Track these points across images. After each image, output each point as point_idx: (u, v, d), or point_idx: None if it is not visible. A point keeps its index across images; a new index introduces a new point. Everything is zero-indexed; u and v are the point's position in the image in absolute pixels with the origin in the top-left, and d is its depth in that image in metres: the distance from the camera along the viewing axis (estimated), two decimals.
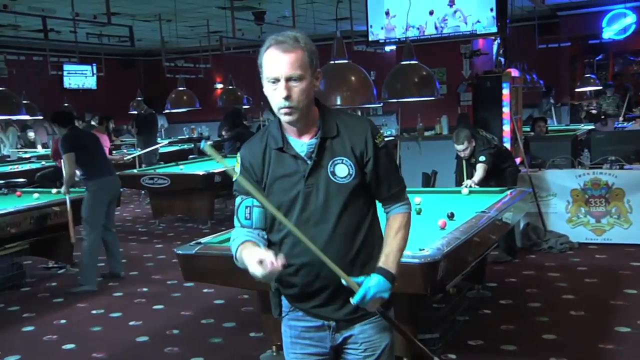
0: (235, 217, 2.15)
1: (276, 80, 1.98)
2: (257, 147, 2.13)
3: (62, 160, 6.06)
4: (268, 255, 1.89)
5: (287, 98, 1.98)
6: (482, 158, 5.89)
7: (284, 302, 2.22)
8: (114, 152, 10.68)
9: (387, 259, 2.10)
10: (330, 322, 2.14)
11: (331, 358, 2.20)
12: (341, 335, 2.15)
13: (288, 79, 1.98)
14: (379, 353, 2.16)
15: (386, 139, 2.25)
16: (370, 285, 2.02)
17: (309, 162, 2.06)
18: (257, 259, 1.90)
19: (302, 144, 2.08)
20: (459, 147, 5.99)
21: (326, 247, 2.03)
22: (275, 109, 2.04)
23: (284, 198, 2.08)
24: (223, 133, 11.43)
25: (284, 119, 2.05)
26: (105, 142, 8.57)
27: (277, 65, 1.97)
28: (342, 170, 2.06)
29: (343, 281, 2.01)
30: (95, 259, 6.02)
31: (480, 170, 5.86)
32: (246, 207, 2.12)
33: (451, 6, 7.25)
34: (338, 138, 2.08)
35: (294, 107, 2.00)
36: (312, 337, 2.17)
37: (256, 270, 1.90)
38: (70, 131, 6.02)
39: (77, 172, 6.16)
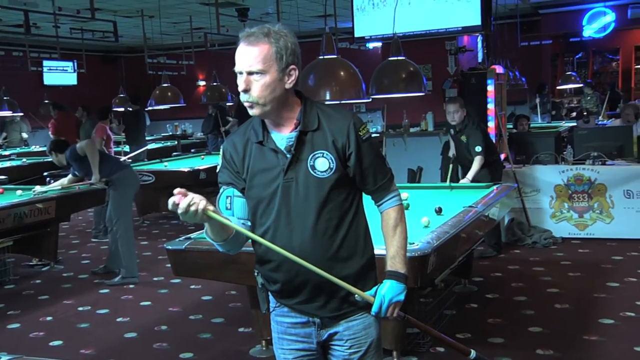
0: (216, 207, 2.12)
1: (240, 73, 2.00)
2: (239, 140, 2.13)
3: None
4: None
5: (246, 92, 1.99)
6: (478, 149, 5.87)
7: (272, 297, 2.22)
8: None
9: (393, 261, 2.14)
10: (315, 319, 2.14)
11: (318, 354, 2.20)
12: (326, 331, 2.15)
13: (249, 73, 1.98)
14: (365, 349, 2.16)
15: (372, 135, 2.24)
16: (384, 293, 2.09)
17: (288, 155, 2.05)
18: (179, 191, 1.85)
19: (283, 137, 2.06)
20: (451, 108, 6.02)
21: (307, 242, 2.04)
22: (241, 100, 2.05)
23: (264, 192, 2.07)
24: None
25: (249, 112, 2.04)
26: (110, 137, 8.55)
27: (240, 58, 1.99)
28: (323, 164, 2.04)
29: (357, 297, 2.08)
30: (133, 250, 5.97)
31: (476, 164, 5.86)
32: (227, 197, 2.11)
33: None
34: (319, 131, 2.06)
35: (254, 101, 2.00)
36: (299, 333, 2.17)
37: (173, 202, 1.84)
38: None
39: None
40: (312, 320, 2.14)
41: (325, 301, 2.10)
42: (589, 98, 13.08)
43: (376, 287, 2.11)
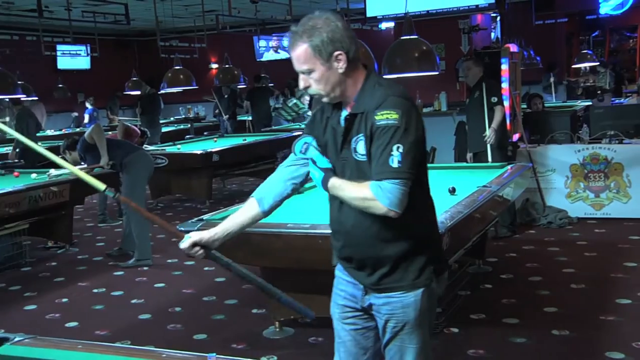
0: (292, 149, 2.26)
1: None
2: (321, 110, 2.29)
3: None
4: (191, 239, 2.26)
5: (306, 89, 2.16)
6: (494, 99, 6.09)
7: None
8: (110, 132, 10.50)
9: (340, 180, 2.11)
10: (360, 284, 2.24)
11: (364, 315, 2.28)
12: (368, 299, 2.23)
13: (301, 72, 2.14)
14: (401, 326, 2.20)
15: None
16: (313, 171, 2.16)
17: (341, 136, 2.15)
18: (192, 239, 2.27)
19: (344, 115, 2.16)
20: (464, 65, 6.38)
21: (351, 220, 2.15)
22: None
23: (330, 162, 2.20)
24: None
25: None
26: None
27: (292, 60, 2.15)
28: (362, 146, 2.09)
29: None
30: (147, 232, 6.01)
31: (498, 113, 6.07)
32: (305, 142, 2.23)
33: None
34: (365, 113, 2.10)
35: (317, 93, 2.15)
36: (347, 291, 2.29)
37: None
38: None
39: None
40: (359, 285, 2.24)
41: (368, 274, 2.20)
42: (601, 77, 12.95)
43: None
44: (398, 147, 1.99)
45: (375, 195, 2.00)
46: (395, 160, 1.99)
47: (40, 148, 2.56)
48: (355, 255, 2.20)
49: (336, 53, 2.09)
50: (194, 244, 2.26)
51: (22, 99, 8.99)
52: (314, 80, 2.12)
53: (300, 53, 2.10)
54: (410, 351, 2.22)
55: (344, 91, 2.14)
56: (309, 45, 2.08)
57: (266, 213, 2.32)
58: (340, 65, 2.11)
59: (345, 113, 2.16)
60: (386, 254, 2.14)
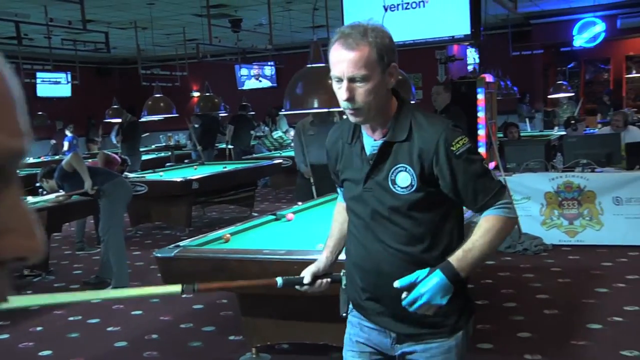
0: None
1: (340, 80, 1.82)
2: (335, 135, 2.05)
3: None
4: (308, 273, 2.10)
5: (350, 100, 1.81)
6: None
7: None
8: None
9: (459, 253, 1.81)
10: (391, 333, 1.98)
11: None
12: (400, 347, 1.97)
13: (351, 80, 1.79)
14: None
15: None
16: (426, 289, 1.79)
17: (370, 163, 1.91)
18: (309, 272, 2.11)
19: (372, 143, 1.92)
20: (433, 90, 6.72)
21: (380, 260, 1.91)
22: (341, 107, 1.90)
23: (349, 194, 1.99)
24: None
25: (350, 119, 1.90)
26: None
27: (340, 63, 1.80)
28: (404, 179, 1.85)
29: (395, 283, 1.81)
30: (125, 259, 6.06)
31: None
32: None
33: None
34: (407, 142, 1.86)
35: (358, 108, 1.83)
36: (372, 340, 2.03)
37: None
38: None
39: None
40: (389, 333, 1.99)
41: (400, 319, 1.93)
42: (565, 107, 13.24)
43: (419, 273, 1.80)
44: (485, 168, 1.90)
45: (506, 216, 1.86)
46: (493, 180, 1.89)
47: None
48: (386, 297, 1.91)
49: (393, 64, 1.84)
50: (315, 277, 2.09)
51: None
52: (364, 90, 1.79)
53: (360, 55, 1.77)
54: None
55: (383, 113, 1.88)
56: (374, 47, 1.78)
57: None
58: (392, 81, 1.86)
59: (371, 140, 1.93)
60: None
